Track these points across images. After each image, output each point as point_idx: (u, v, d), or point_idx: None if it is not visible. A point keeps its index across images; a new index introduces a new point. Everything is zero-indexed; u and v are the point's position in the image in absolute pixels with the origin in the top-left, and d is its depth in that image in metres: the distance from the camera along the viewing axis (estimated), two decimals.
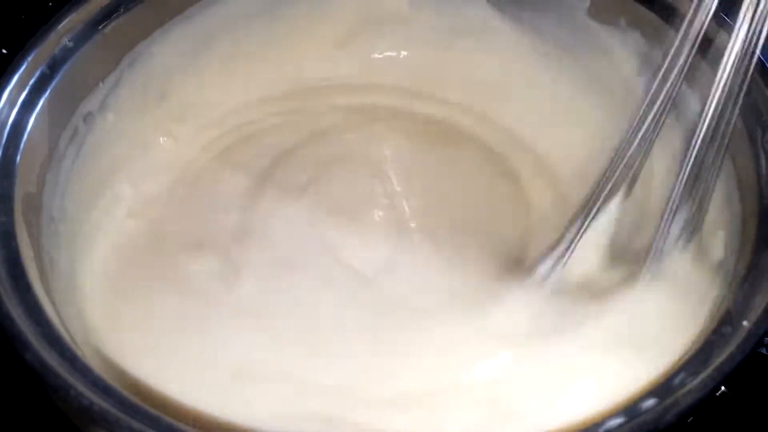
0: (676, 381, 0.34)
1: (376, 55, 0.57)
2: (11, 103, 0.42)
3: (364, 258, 0.47)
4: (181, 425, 0.33)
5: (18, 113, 0.42)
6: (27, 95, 0.42)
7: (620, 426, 0.33)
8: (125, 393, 0.34)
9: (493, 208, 0.51)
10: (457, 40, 0.56)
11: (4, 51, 0.54)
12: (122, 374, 0.40)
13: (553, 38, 0.53)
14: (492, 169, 0.53)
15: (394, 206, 0.50)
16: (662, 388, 0.34)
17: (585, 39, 0.52)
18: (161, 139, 0.52)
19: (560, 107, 0.54)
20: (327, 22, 0.56)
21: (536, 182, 0.52)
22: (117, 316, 0.43)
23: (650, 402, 0.34)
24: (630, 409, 0.34)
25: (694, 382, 0.34)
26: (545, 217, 0.50)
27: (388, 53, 0.58)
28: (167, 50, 0.50)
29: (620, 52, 0.51)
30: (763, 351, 0.47)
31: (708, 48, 0.44)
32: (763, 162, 0.42)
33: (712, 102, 0.40)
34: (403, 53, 0.57)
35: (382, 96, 0.56)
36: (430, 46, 0.57)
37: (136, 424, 0.32)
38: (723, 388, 0.45)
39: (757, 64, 0.43)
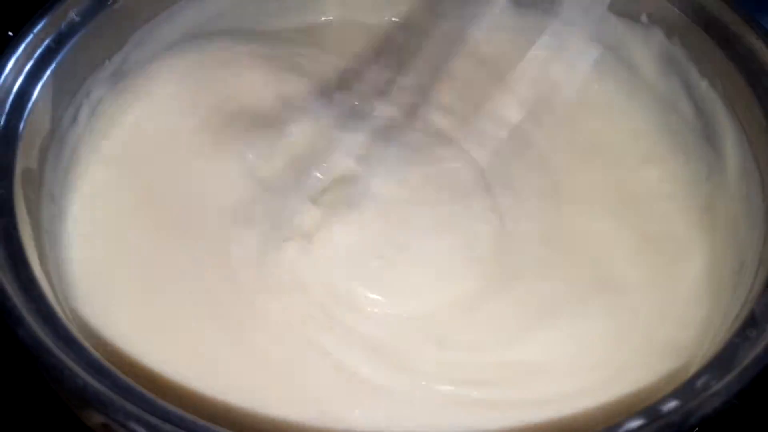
0: (699, 383, 0.33)
1: None
2: (17, 71, 0.41)
3: None
4: (177, 409, 0.31)
5: (23, 82, 0.41)
6: (32, 66, 0.41)
7: (640, 428, 0.31)
8: (120, 374, 0.32)
9: None
10: None
11: (10, 33, 0.53)
12: (118, 355, 0.39)
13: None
14: None
15: None
16: (685, 390, 0.33)
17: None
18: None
19: None
20: None
21: None
22: (114, 295, 0.41)
23: (672, 404, 0.32)
24: (650, 411, 0.32)
25: (719, 385, 0.33)
26: None
27: None
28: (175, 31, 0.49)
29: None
30: None
31: None
32: None
33: None
34: None
35: None
36: None
37: (130, 407, 0.31)
38: None
39: None
